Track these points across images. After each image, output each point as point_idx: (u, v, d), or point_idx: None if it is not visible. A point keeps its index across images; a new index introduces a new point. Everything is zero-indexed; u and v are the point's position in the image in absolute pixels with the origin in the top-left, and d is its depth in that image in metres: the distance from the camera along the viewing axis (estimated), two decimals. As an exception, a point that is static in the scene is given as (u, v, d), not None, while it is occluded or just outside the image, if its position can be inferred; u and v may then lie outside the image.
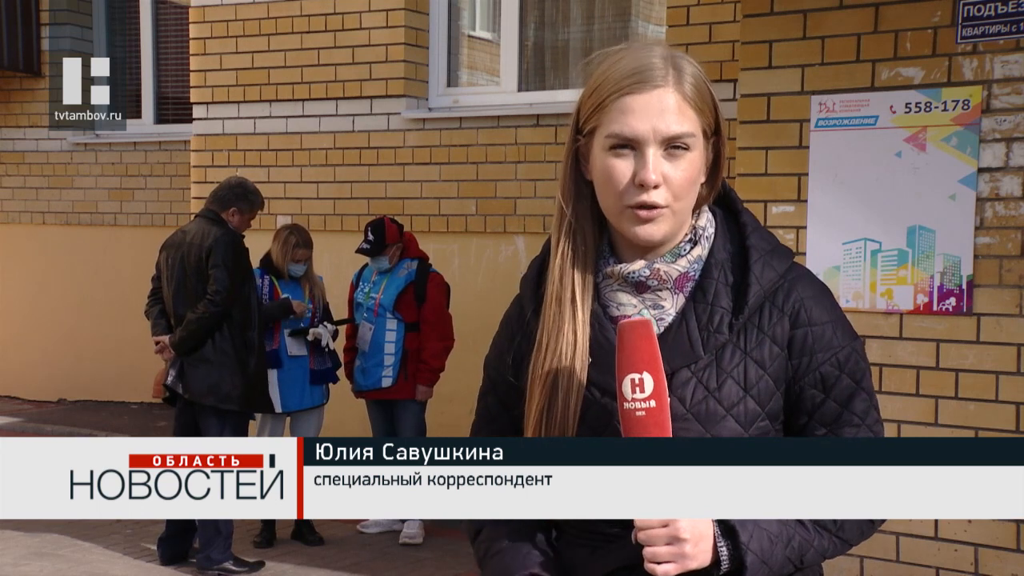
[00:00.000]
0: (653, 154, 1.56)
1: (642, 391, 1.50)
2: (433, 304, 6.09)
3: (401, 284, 6.08)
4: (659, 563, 1.49)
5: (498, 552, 1.67)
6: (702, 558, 1.51)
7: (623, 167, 1.58)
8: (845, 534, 1.63)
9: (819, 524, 1.60)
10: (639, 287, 1.65)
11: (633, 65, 1.58)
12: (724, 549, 1.53)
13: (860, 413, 1.65)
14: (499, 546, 1.68)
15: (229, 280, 5.41)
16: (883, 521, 1.69)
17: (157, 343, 5.64)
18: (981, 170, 4.14)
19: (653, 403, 1.50)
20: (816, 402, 1.63)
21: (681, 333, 1.62)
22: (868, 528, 1.66)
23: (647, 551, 1.50)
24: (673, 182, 1.58)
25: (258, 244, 6.65)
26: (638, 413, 1.50)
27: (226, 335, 5.48)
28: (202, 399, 5.50)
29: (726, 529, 1.53)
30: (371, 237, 6.03)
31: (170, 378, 5.58)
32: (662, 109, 1.56)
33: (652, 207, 1.57)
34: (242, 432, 5.61)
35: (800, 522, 1.58)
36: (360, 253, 6.12)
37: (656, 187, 1.57)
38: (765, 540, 1.54)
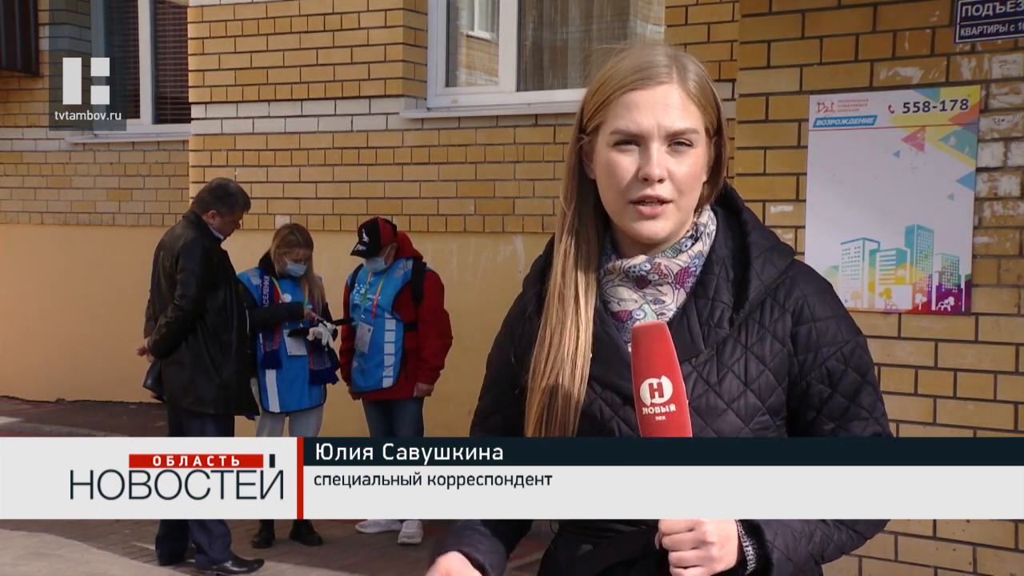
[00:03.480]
0: (657, 149, 1.58)
1: (661, 396, 1.50)
2: (430, 303, 6.10)
3: (398, 284, 6.09)
4: (686, 567, 1.49)
5: (449, 532, 1.69)
6: (728, 559, 1.51)
7: (627, 162, 1.59)
8: (860, 527, 1.64)
9: (837, 518, 1.61)
10: (640, 282, 1.66)
11: (637, 62, 1.60)
12: (750, 548, 1.53)
13: (867, 407, 1.66)
14: (453, 526, 1.70)
15: (196, 285, 5.39)
16: None
17: (140, 348, 5.71)
18: (979, 170, 4.14)
19: (673, 407, 1.50)
20: (823, 397, 1.64)
21: (682, 328, 1.63)
22: (881, 521, 1.67)
23: (673, 555, 1.50)
24: (677, 177, 1.59)
25: (257, 244, 6.65)
26: (658, 418, 1.50)
27: (199, 338, 5.46)
28: (178, 402, 5.52)
29: (750, 528, 1.53)
30: (366, 239, 6.04)
31: (149, 380, 5.60)
32: (666, 105, 1.57)
33: (656, 202, 1.58)
34: (226, 435, 5.59)
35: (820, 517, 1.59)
36: (355, 255, 6.12)
37: (660, 181, 1.58)
38: (789, 537, 1.54)
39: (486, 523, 1.69)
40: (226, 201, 5.67)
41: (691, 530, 1.49)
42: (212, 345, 5.48)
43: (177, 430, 5.63)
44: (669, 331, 1.60)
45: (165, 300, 5.50)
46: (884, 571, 4.34)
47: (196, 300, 5.39)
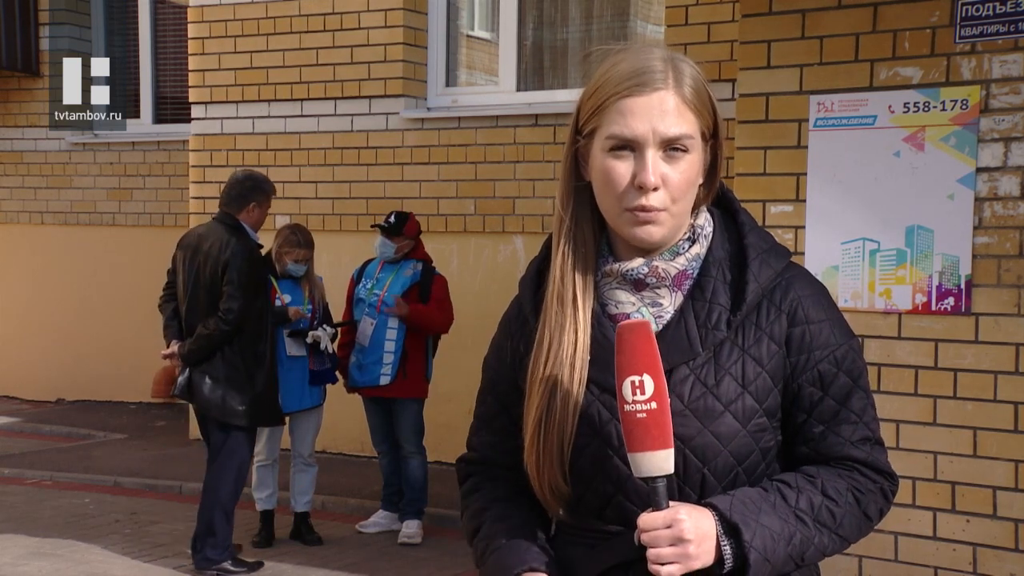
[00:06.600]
0: (652, 156, 1.57)
1: (642, 393, 1.49)
2: (437, 296, 6.14)
3: (406, 284, 6.10)
4: (663, 564, 1.50)
5: (496, 549, 1.68)
6: (705, 558, 1.51)
7: (622, 169, 1.58)
8: (844, 531, 1.63)
9: (819, 521, 1.61)
10: (637, 285, 1.66)
11: (633, 67, 1.59)
12: (727, 548, 1.53)
13: (858, 411, 1.66)
14: (497, 543, 1.68)
15: (242, 298, 5.35)
16: (880, 519, 1.70)
17: (166, 352, 5.60)
18: (979, 170, 4.14)
19: (654, 404, 1.49)
20: (814, 400, 1.64)
21: (680, 330, 1.63)
22: (866, 525, 1.67)
23: (651, 552, 1.50)
24: (671, 183, 1.58)
25: (257, 244, 6.64)
26: (639, 415, 1.50)
27: (236, 349, 5.43)
28: (208, 411, 5.51)
29: (729, 528, 1.54)
30: (392, 220, 6.11)
31: (178, 388, 5.56)
32: (662, 111, 1.57)
33: (651, 209, 1.58)
34: (248, 444, 5.59)
35: (801, 519, 1.59)
36: (376, 228, 6.18)
37: (655, 189, 1.57)
38: (768, 538, 1.55)
39: (530, 531, 1.69)
40: (261, 188, 5.67)
41: (669, 527, 1.50)
42: (248, 357, 5.45)
43: (205, 434, 5.65)
44: (664, 336, 1.60)
45: (200, 308, 5.43)
46: (884, 571, 4.34)
47: (240, 313, 5.37)
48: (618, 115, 1.58)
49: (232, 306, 5.35)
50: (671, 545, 1.49)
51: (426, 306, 6.07)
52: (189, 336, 5.49)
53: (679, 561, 1.49)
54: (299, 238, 6.04)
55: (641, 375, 1.49)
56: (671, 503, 1.52)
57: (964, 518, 4.20)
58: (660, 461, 1.50)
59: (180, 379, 5.54)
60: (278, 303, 5.95)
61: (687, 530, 1.49)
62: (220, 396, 5.42)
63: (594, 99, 1.61)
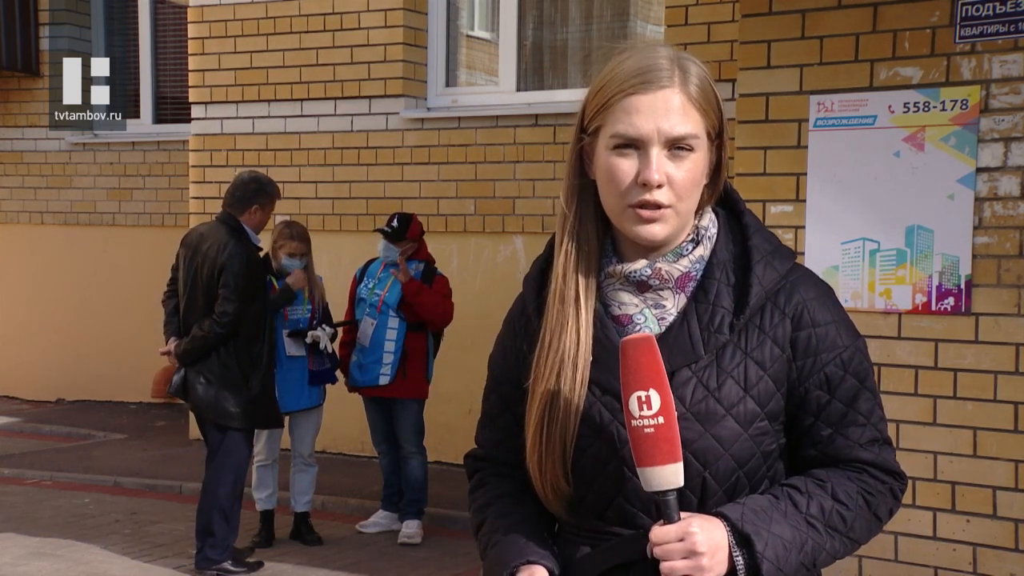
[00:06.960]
0: (657, 154, 1.56)
1: (649, 408, 1.49)
2: (438, 294, 6.15)
3: (408, 284, 6.11)
4: None
5: (497, 543, 1.68)
6: (719, 569, 1.51)
7: (627, 166, 1.58)
8: (855, 534, 1.64)
9: (830, 526, 1.60)
10: (641, 286, 1.65)
11: (639, 65, 1.58)
12: (740, 558, 1.53)
13: (865, 412, 1.65)
14: (498, 538, 1.69)
15: (237, 302, 5.36)
16: (890, 518, 1.70)
17: (163, 349, 5.64)
18: (979, 170, 4.14)
19: (661, 419, 1.49)
20: (822, 403, 1.64)
21: (682, 333, 1.62)
22: (876, 526, 1.67)
23: (664, 565, 1.50)
24: (676, 182, 1.57)
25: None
26: (647, 430, 1.49)
27: (231, 350, 5.43)
28: (202, 412, 5.51)
29: (741, 538, 1.53)
30: (395, 224, 6.13)
31: (173, 387, 5.57)
32: (667, 110, 1.56)
33: (655, 206, 1.57)
34: (245, 445, 5.59)
35: (812, 526, 1.59)
36: (379, 232, 6.20)
37: (659, 187, 1.57)
38: (780, 547, 1.54)
39: (532, 527, 1.69)
40: (265, 191, 5.68)
41: (681, 540, 1.49)
42: (243, 358, 5.45)
43: (204, 433, 5.66)
44: (666, 339, 1.60)
45: (197, 308, 5.44)
46: (884, 571, 4.34)
47: (236, 317, 5.37)
48: (623, 113, 1.57)
49: (227, 309, 5.35)
50: (684, 558, 1.49)
51: (426, 286, 6.09)
52: (187, 335, 5.50)
53: (693, 574, 1.49)
54: (292, 231, 6.08)
55: (647, 390, 1.49)
56: (682, 515, 1.52)
57: (964, 518, 4.20)
58: (669, 475, 1.49)
59: (175, 378, 5.55)
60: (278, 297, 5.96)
61: (700, 543, 1.49)
62: (214, 396, 5.42)
63: (599, 96, 1.60)
